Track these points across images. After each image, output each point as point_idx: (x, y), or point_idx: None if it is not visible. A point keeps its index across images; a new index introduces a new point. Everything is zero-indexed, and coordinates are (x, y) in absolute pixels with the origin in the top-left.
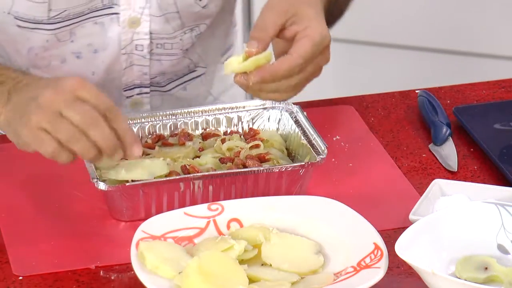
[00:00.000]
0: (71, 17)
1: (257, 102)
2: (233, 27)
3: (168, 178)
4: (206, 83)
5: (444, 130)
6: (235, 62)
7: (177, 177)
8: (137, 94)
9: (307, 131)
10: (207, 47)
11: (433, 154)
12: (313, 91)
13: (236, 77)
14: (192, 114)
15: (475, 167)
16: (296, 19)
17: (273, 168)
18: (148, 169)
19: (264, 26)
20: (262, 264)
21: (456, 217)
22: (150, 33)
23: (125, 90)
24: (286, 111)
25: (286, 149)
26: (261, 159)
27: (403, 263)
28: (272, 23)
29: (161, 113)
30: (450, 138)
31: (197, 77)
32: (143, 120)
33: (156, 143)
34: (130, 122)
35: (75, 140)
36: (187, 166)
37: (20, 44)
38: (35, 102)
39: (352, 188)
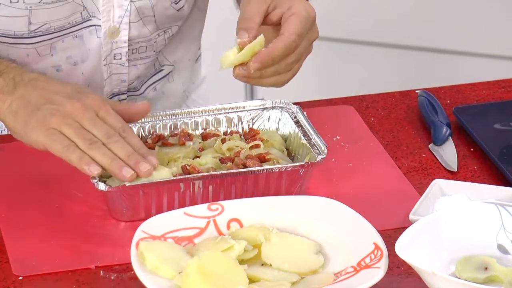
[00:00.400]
0: (52, 31)
1: (257, 102)
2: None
3: (168, 178)
4: (174, 81)
5: (444, 130)
6: (231, 55)
7: (177, 177)
8: None
9: (307, 131)
10: (174, 46)
11: (433, 154)
12: (313, 91)
13: (235, 70)
14: (192, 114)
15: (475, 167)
16: (277, 3)
17: (273, 168)
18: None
19: (249, 15)
20: (262, 264)
21: (456, 217)
22: (129, 39)
23: None
24: (286, 111)
25: (286, 149)
26: (261, 159)
27: (403, 263)
28: (256, 11)
29: (161, 113)
30: (450, 138)
31: (164, 76)
32: (143, 120)
33: (156, 143)
34: (130, 122)
35: (95, 147)
36: (187, 166)
37: None
38: (55, 108)
39: (352, 188)
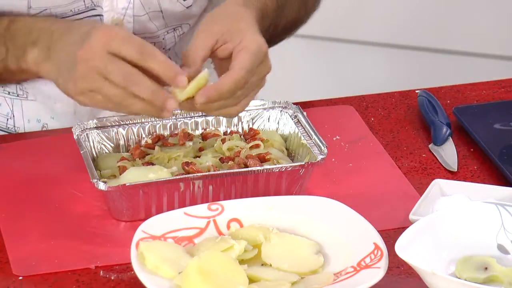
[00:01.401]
0: (53, 16)
1: (257, 102)
2: None
3: (168, 178)
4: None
5: (444, 130)
6: (177, 92)
7: (177, 177)
8: None
9: (307, 131)
10: (187, 43)
11: (433, 154)
12: (313, 91)
13: (181, 105)
14: (192, 114)
15: (475, 167)
16: (228, 37)
17: (273, 168)
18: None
19: (193, 50)
20: (262, 264)
21: (456, 217)
22: (133, 33)
23: None
24: (286, 111)
25: (286, 149)
26: (261, 159)
27: (403, 263)
28: (202, 45)
29: None
30: (450, 138)
31: None
32: (143, 120)
33: (156, 143)
34: (130, 122)
35: (128, 103)
36: (187, 166)
37: None
38: (74, 65)
39: (352, 188)
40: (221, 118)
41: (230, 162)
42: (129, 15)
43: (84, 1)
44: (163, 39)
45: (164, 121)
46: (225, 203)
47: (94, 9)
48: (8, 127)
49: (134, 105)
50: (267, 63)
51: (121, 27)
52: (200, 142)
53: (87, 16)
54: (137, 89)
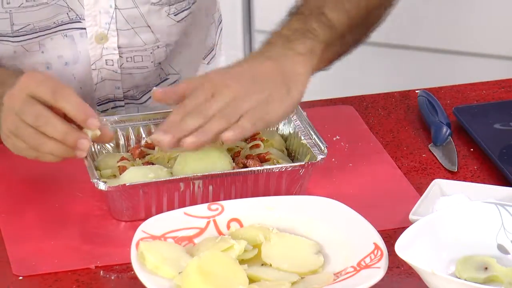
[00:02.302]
0: (37, 30)
1: None
2: (215, 25)
3: (168, 178)
4: None
5: (444, 130)
6: (89, 133)
7: (177, 177)
8: (112, 108)
9: (307, 131)
10: (181, 56)
11: (433, 154)
12: (313, 91)
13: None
14: None
15: (475, 167)
16: None
17: (273, 168)
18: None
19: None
20: (262, 264)
21: (456, 217)
22: (119, 47)
23: (99, 105)
24: None
25: (286, 149)
26: (261, 159)
27: (403, 263)
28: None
29: (161, 113)
30: (450, 138)
31: (169, 85)
32: (143, 120)
33: None
34: (130, 122)
35: (39, 143)
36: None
37: None
38: (1, 107)
39: (352, 188)
40: None
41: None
42: (113, 29)
43: (67, 13)
44: (151, 53)
45: (164, 121)
46: (225, 203)
47: (79, 21)
48: None
49: (46, 145)
50: (219, 98)
51: (106, 40)
52: None
53: (73, 28)
54: (48, 129)
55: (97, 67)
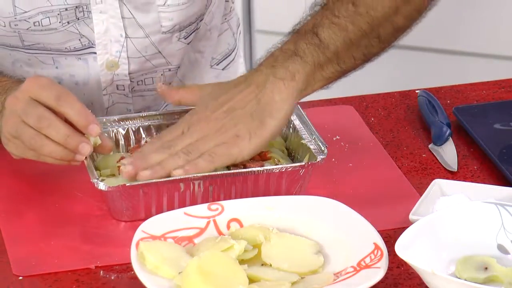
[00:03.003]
0: (48, 49)
1: None
2: (232, 31)
3: (168, 178)
4: None
5: (444, 130)
6: (91, 139)
7: (177, 177)
8: None
9: (307, 131)
10: (189, 67)
11: (433, 154)
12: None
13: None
14: None
15: (475, 167)
16: None
17: (273, 168)
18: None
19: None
20: (262, 264)
21: (456, 217)
22: (130, 73)
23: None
24: None
25: (286, 149)
26: (262, 157)
27: (403, 263)
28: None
29: (161, 113)
30: (450, 138)
31: None
32: (143, 120)
33: None
34: (130, 122)
35: (40, 144)
36: None
37: (2, 58)
38: (4, 110)
39: (352, 188)
40: None
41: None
42: (124, 57)
43: (79, 40)
44: (161, 74)
45: (164, 121)
46: (225, 203)
47: (92, 47)
48: None
49: (47, 147)
50: (188, 135)
51: (117, 67)
52: None
53: (86, 53)
54: (50, 131)
55: (108, 92)
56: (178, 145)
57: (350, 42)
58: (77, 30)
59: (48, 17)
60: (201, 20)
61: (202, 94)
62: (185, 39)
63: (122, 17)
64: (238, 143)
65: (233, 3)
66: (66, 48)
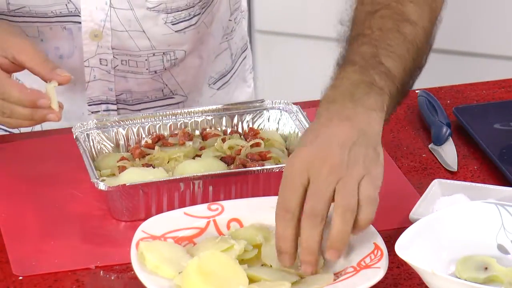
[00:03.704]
0: (33, 15)
1: (257, 102)
2: (231, 51)
3: (168, 178)
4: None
5: (444, 130)
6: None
7: (177, 177)
8: (104, 110)
9: None
10: (189, 75)
11: (433, 154)
12: (313, 91)
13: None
14: (192, 114)
15: (475, 167)
16: None
17: (273, 168)
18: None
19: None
20: (262, 264)
21: (456, 217)
22: (113, 48)
23: (90, 105)
24: (286, 111)
25: (286, 149)
26: (263, 157)
27: (403, 263)
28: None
29: (161, 113)
30: (450, 138)
31: (173, 104)
32: (143, 120)
33: (156, 143)
34: (130, 122)
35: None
36: None
37: None
38: None
39: None
40: (221, 118)
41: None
42: (108, 28)
43: (66, 5)
44: (145, 59)
45: (164, 121)
46: (225, 203)
47: (78, 15)
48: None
49: (16, 110)
50: (321, 167)
51: (101, 38)
52: (200, 142)
53: (71, 21)
54: (14, 117)
55: (90, 65)
56: (323, 204)
57: (408, 70)
58: None
59: None
60: (195, 15)
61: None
62: (172, 24)
63: None
64: (375, 172)
65: (235, 23)
66: (52, 12)
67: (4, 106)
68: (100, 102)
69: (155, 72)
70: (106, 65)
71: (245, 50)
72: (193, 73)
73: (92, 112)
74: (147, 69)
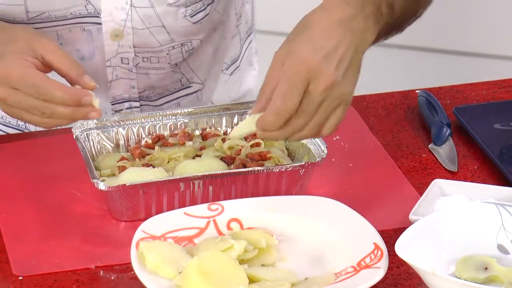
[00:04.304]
0: (53, 19)
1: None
2: (240, 37)
3: (168, 178)
4: (203, 98)
5: (444, 130)
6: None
7: (177, 177)
8: (127, 108)
9: None
10: (204, 62)
11: (433, 154)
12: None
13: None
14: (192, 114)
15: (475, 167)
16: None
17: (273, 168)
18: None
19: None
20: (262, 264)
21: (456, 217)
22: (134, 46)
23: (113, 104)
24: None
25: (286, 149)
26: (262, 157)
27: (403, 263)
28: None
29: (161, 113)
30: (450, 138)
31: (192, 93)
32: (143, 120)
33: (156, 143)
34: (130, 122)
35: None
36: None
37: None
38: None
39: (352, 188)
40: (221, 118)
41: (231, 166)
42: (128, 27)
43: (85, 6)
44: (167, 54)
45: (164, 121)
46: (225, 203)
47: (97, 16)
48: (19, 125)
49: (57, 110)
50: (319, 83)
51: (122, 37)
52: (200, 142)
53: (91, 22)
54: (55, 117)
55: (112, 64)
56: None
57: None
58: None
59: None
60: (209, 4)
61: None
62: (191, 17)
63: None
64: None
65: (242, 7)
66: (71, 13)
67: (45, 106)
68: (123, 101)
69: (176, 64)
70: (128, 63)
71: (250, 34)
72: (207, 59)
73: (116, 111)
74: (168, 63)
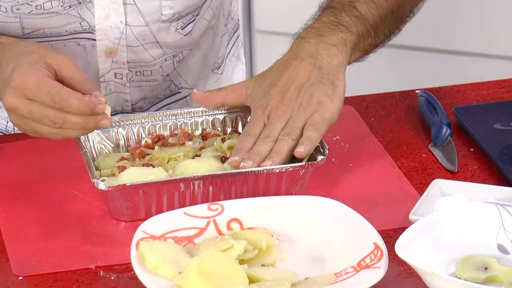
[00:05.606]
0: (48, 35)
1: None
2: (228, 34)
3: (168, 178)
4: (194, 103)
5: (444, 130)
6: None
7: (177, 177)
8: None
9: None
10: (192, 67)
11: (433, 154)
12: None
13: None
14: (192, 114)
15: (475, 167)
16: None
17: (273, 168)
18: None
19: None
20: (262, 264)
21: (456, 217)
22: (128, 62)
23: None
24: None
25: None
26: None
27: (403, 263)
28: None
29: (161, 113)
30: (450, 138)
31: (182, 98)
32: (143, 120)
33: (156, 143)
34: (130, 122)
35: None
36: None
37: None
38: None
39: (352, 188)
40: (221, 118)
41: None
42: (123, 44)
43: (80, 23)
44: (160, 67)
45: (164, 121)
46: (225, 203)
47: (91, 32)
48: (8, 130)
49: (70, 131)
50: (276, 121)
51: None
52: (200, 142)
53: (85, 38)
54: (67, 127)
55: (106, 80)
56: (275, 132)
57: (384, 17)
58: (78, 13)
59: (50, 0)
60: (197, 14)
61: (250, 90)
62: (182, 29)
63: (124, 3)
64: (326, 107)
65: (231, 7)
66: (66, 30)
67: (57, 115)
68: (115, 113)
69: (167, 75)
70: (121, 78)
71: (237, 29)
72: (196, 64)
73: None
74: (161, 75)
